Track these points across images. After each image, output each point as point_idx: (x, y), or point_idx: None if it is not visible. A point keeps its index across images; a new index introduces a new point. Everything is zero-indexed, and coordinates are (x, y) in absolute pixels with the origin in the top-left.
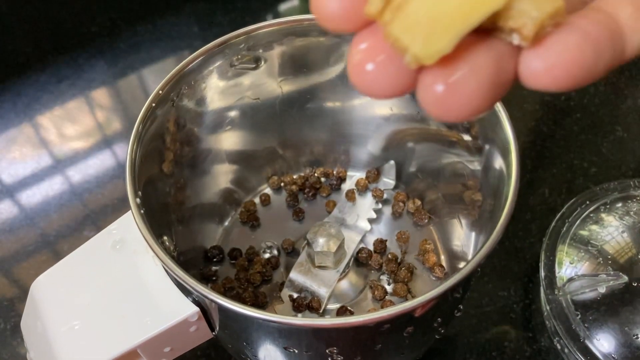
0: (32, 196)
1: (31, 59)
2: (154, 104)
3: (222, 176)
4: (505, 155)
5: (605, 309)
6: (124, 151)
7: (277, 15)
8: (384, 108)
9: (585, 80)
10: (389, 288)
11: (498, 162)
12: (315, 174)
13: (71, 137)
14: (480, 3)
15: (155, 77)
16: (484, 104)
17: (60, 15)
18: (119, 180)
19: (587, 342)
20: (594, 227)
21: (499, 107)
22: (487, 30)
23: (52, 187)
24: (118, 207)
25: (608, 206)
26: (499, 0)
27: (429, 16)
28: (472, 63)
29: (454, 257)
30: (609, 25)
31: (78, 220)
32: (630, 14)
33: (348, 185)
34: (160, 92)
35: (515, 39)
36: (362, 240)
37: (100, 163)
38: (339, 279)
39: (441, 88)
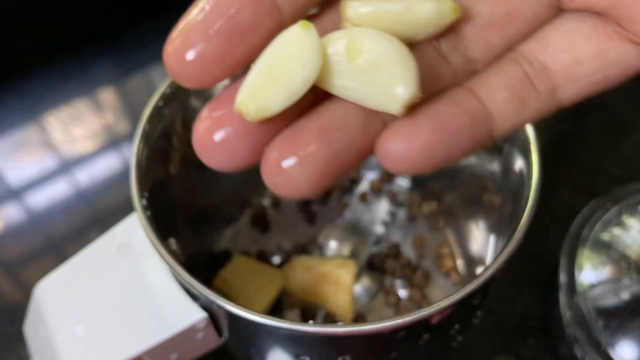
0: (37, 198)
1: (37, 57)
2: (160, 103)
3: (231, 178)
4: (526, 156)
5: (628, 316)
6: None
7: None
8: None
9: (442, 163)
10: (403, 294)
11: (518, 163)
12: None
13: (77, 138)
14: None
15: (161, 76)
16: (318, 184)
17: (66, 13)
18: (126, 182)
19: (609, 350)
20: (616, 230)
21: None
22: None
23: (58, 189)
24: (126, 210)
25: (631, 209)
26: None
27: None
28: (311, 147)
29: (472, 262)
30: (473, 112)
31: (84, 223)
32: (504, 98)
33: (361, 187)
34: (167, 90)
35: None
36: (375, 244)
37: (107, 165)
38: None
39: (277, 168)
